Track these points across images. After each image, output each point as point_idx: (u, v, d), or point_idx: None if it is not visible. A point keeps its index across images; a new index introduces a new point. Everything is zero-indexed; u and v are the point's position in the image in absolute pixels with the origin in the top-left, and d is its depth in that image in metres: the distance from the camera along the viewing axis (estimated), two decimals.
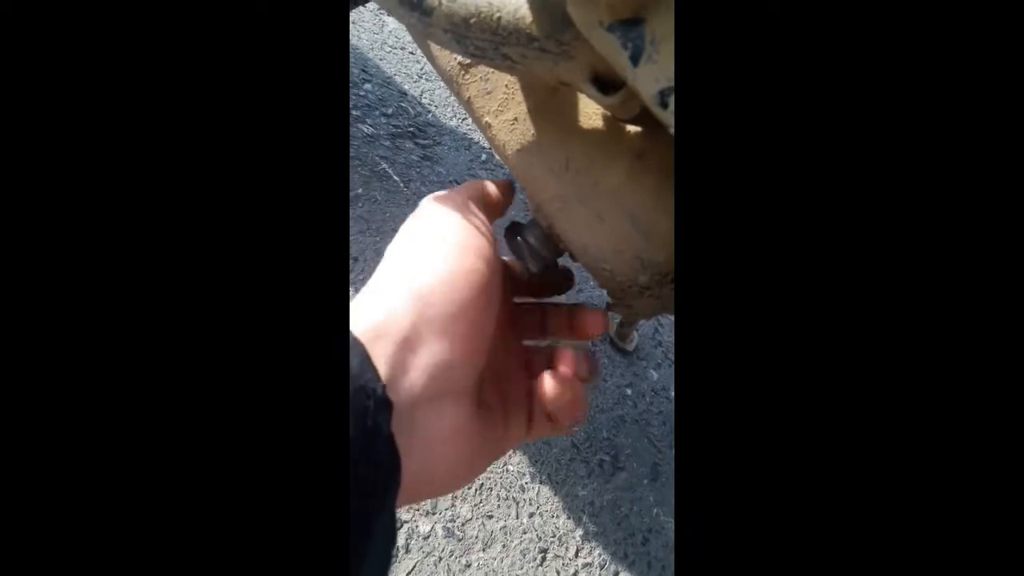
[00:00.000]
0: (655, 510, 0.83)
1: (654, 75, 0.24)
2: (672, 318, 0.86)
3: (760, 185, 0.21)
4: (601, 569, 0.74)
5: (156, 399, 0.20)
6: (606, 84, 0.29)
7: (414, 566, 0.66)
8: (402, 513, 0.69)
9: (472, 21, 0.29)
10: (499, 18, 0.28)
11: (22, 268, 0.20)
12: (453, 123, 1.21)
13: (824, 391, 0.20)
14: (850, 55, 0.20)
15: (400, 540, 0.67)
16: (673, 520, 0.80)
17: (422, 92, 1.23)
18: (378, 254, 0.74)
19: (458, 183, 1.14)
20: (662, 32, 0.24)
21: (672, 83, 0.24)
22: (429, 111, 1.20)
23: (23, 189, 0.20)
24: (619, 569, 0.75)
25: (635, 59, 0.24)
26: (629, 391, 0.94)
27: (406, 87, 1.22)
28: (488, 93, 0.37)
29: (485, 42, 0.29)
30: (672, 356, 0.99)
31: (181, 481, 0.20)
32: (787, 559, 0.20)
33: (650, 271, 0.34)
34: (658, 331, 1.05)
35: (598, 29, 0.25)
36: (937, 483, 0.20)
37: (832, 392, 0.21)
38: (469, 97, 0.39)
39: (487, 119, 0.38)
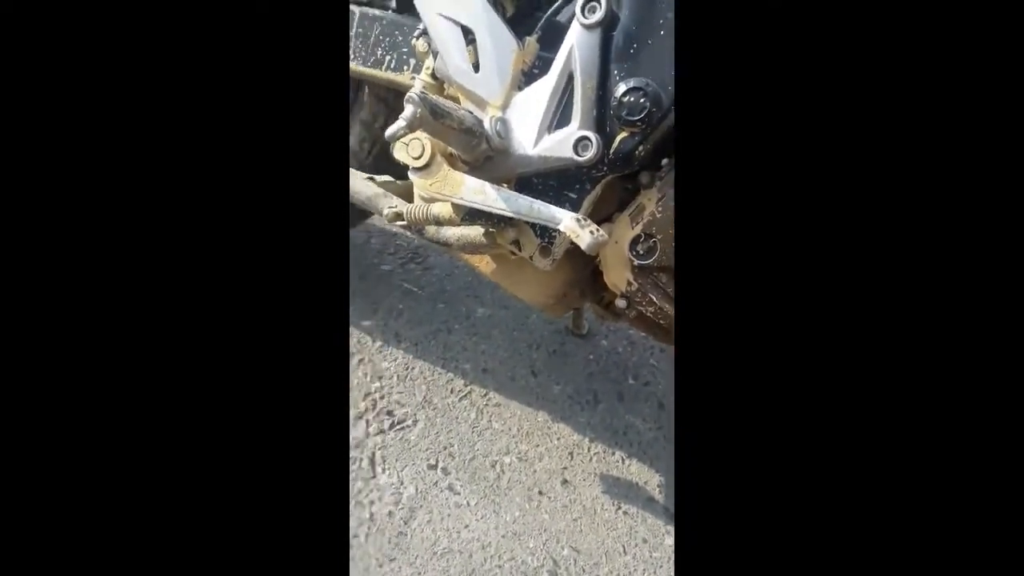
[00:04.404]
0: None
1: None
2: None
3: (752, 188, 0.21)
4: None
5: (159, 394, 0.20)
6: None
7: None
8: None
9: None
10: None
11: (24, 269, 0.19)
12: None
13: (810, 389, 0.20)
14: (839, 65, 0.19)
15: None
16: None
17: None
18: None
19: None
20: None
21: None
22: None
23: (27, 190, 0.19)
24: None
25: None
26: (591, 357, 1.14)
27: None
28: None
29: None
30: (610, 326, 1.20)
31: (183, 480, 0.20)
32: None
33: None
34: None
35: None
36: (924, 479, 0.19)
37: (823, 391, 0.20)
38: None
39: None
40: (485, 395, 1.04)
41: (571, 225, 0.50)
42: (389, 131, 0.48)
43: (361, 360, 1.03)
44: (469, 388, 1.04)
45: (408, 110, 0.47)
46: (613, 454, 1.00)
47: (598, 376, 1.13)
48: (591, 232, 0.49)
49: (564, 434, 1.01)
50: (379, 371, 1.03)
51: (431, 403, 1.00)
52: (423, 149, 0.56)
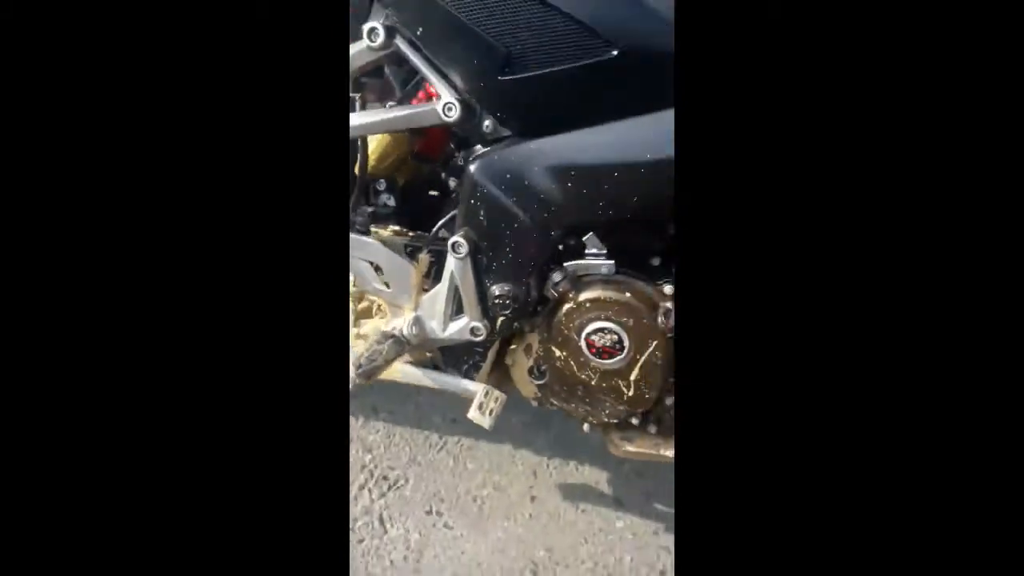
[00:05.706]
0: None
1: None
2: None
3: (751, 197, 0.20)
4: None
5: (161, 395, 0.19)
6: None
7: None
8: None
9: None
10: None
11: (27, 270, 0.19)
12: None
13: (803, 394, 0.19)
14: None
15: None
16: None
17: None
18: None
19: None
20: None
21: None
22: None
23: (31, 192, 0.19)
24: None
25: None
26: None
27: None
28: None
29: None
30: None
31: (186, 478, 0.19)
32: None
33: None
34: None
35: None
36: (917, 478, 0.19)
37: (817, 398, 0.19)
38: None
39: None
40: (458, 442, 1.28)
41: (475, 415, 0.73)
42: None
43: (351, 438, 1.26)
44: (444, 440, 1.28)
45: (352, 375, 0.70)
46: (568, 464, 1.26)
47: None
48: (490, 413, 0.73)
49: (527, 458, 1.27)
50: (368, 444, 1.25)
51: (416, 460, 1.24)
52: None
